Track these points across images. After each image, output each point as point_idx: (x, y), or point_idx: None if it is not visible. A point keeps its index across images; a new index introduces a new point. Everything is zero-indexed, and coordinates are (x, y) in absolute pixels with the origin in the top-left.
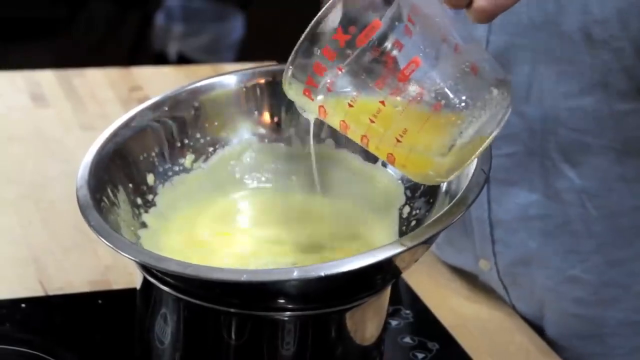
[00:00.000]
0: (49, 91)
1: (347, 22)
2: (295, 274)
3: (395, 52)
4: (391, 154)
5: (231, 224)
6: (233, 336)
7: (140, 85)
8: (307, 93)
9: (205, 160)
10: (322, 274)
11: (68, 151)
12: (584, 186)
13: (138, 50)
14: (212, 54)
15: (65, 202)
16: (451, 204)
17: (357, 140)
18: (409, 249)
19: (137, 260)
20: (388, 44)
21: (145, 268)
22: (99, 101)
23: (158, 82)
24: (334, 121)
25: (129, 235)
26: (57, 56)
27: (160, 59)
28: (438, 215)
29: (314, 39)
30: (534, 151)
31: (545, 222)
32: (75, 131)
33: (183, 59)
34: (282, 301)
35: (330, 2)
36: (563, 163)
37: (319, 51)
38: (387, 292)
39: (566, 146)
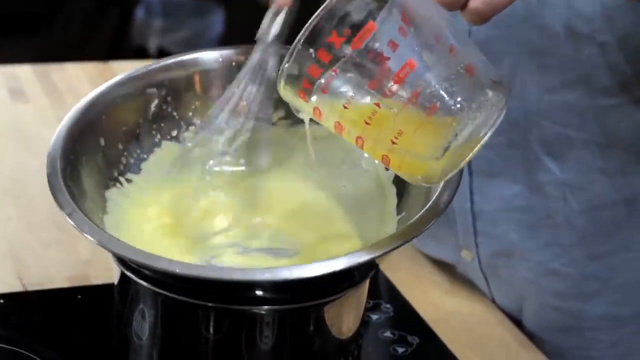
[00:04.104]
0: (27, 86)
1: (342, 24)
2: (262, 276)
3: (390, 54)
4: (386, 156)
5: (224, 202)
6: (211, 330)
7: None
8: (301, 95)
9: None
10: (293, 276)
11: (47, 146)
12: (566, 179)
13: (118, 45)
14: (192, 49)
15: (44, 197)
16: (428, 204)
17: (352, 142)
18: (382, 254)
19: (114, 251)
20: (383, 46)
21: (122, 262)
22: (78, 96)
23: None
24: (329, 123)
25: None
26: (36, 51)
27: (140, 53)
28: (416, 217)
29: (309, 41)
30: (516, 144)
31: (527, 214)
32: (54, 126)
33: (163, 54)
34: (259, 295)
35: (324, 4)
36: (545, 156)
37: (314, 53)
38: (366, 285)
39: (548, 139)
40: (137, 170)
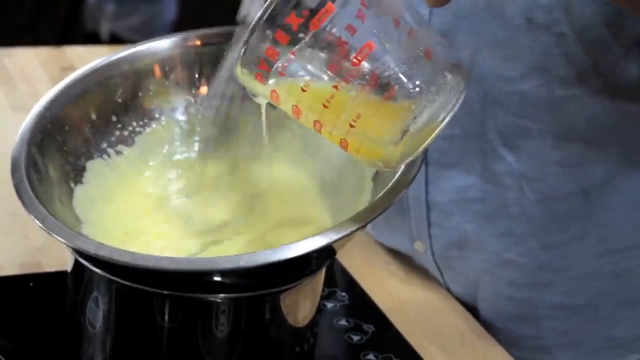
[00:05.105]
0: None
1: (300, 5)
2: (210, 265)
3: (348, 37)
4: (344, 140)
5: (181, 190)
6: (166, 318)
7: (73, 65)
8: (259, 77)
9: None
10: (240, 264)
11: None
12: (522, 170)
13: (69, 30)
14: (144, 35)
15: None
16: (386, 188)
17: (310, 126)
18: (335, 241)
19: (68, 244)
20: (341, 28)
21: (76, 250)
22: (30, 81)
23: (91, 61)
24: (287, 106)
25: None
26: None
27: (92, 39)
28: (374, 200)
29: (266, 22)
30: (473, 134)
31: (483, 205)
32: (6, 112)
33: (115, 40)
34: (215, 283)
35: None
36: (501, 146)
37: (271, 35)
38: (322, 273)
39: (505, 129)
40: (130, 142)
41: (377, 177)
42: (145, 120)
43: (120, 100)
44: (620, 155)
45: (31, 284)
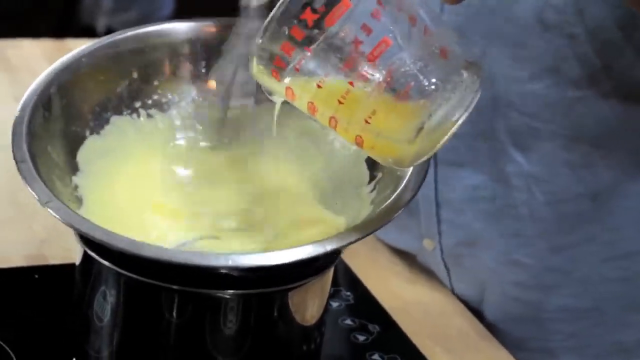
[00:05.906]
0: None
1: (316, 1)
2: (225, 262)
3: (364, 33)
4: (359, 136)
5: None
6: (174, 313)
7: None
8: (274, 74)
9: None
10: (254, 264)
11: (2, 124)
12: (532, 171)
13: (66, 23)
14: None
15: None
16: (394, 195)
17: (326, 123)
18: (347, 244)
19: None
20: (358, 25)
21: (85, 240)
22: (34, 73)
23: None
24: (302, 103)
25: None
26: None
27: (88, 33)
28: (382, 207)
29: (281, 18)
30: (483, 133)
31: (492, 204)
32: (10, 103)
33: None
34: (224, 279)
35: None
36: (512, 147)
37: (287, 31)
38: (330, 272)
39: (515, 130)
40: (166, 109)
41: (378, 181)
42: (185, 94)
43: (167, 66)
44: (628, 160)
45: (36, 276)
